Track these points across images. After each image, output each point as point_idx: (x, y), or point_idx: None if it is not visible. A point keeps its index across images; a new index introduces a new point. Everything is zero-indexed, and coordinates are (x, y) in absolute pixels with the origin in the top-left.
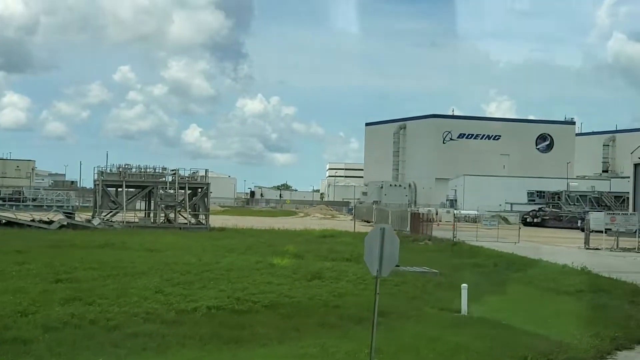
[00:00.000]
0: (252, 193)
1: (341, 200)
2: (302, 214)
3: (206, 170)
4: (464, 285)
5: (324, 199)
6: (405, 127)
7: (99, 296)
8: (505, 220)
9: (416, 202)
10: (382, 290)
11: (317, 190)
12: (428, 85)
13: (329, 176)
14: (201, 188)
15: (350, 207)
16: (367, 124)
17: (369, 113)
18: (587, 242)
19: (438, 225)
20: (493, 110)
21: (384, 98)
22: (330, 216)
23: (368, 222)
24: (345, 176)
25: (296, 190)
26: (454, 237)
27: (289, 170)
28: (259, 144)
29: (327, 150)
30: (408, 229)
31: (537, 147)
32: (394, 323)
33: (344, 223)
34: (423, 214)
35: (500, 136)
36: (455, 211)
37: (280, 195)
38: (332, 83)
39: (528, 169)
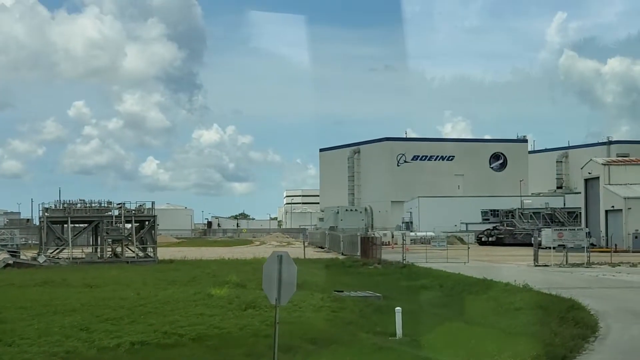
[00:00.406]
0: (209, 224)
1: (298, 227)
2: (258, 242)
3: (152, 203)
4: (398, 308)
5: (281, 227)
6: (359, 152)
7: (20, 336)
8: (461, 240)
9: (373, 226)
10: (319, 317)
11: (275, 218)
12: (383, 109)
13: (287, 203)
14: (148, 220)
15: (307, 234)
16: (321, 150)
17: (326, 139)
18: (536, 259)
19: (393, 248)
20: (449, 131)
21: (340, 123)
22: (285, 243)
23: (322, 247)
24: (303, 203)
25: (253, 219)
26: (403, 259)
27: (247, 199)
28: (216, 174)
29: (285, 178)
30: (359, 253)
31: (491, 166)
32: (320, 350)
33: (298, 250)
34: (375, 237)
35: (454, 157)
36: (411, 233)
37: (237, 224)
38: (287, 110)
39: (483, 188)
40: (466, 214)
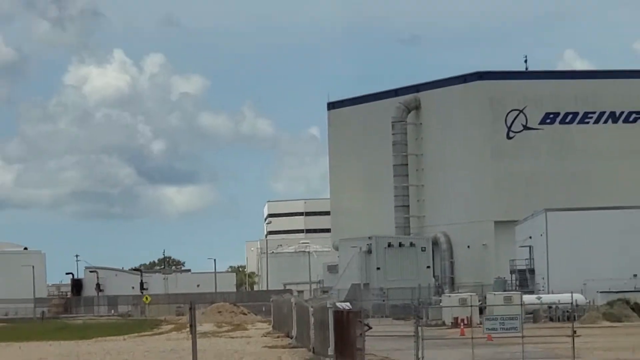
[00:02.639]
0: (76, 284)
1: (283, 287)
2: (171, 326)
3: None
4: None
5: (254, 287)
6: (419, 107)
7: None
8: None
9: (454, 280)
10: None
11: (240, 268)
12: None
13: (270, 232)
14: None
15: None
16: (330, 105)
17: (344, 83)
18: None
19: (463, 333)
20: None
21: (411, 42)
22: (228, 327)
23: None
24: (306, 231)
25: (188, 270)
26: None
27: (189, 226)
28: (125, 169)
29: (277, 174)
30: (331, 349)
31: None
32: None
33: (239, 342)
34: (356, 312)
35: None
36: (527, 297)
37: (142, 285)
38: (283, 16)
39: None
40: None
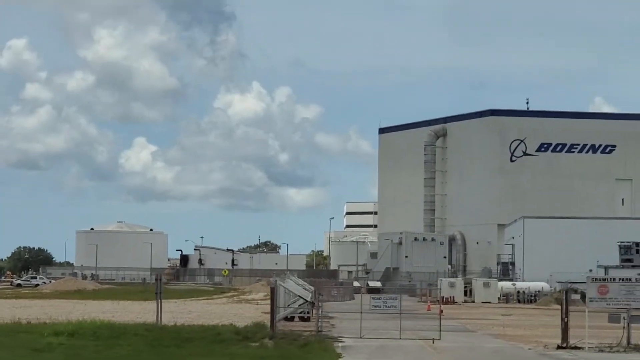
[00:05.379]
0: (184, 259)
1: (337, 267)
2: (234, 293)
3: None
4: None
5: (327, 265)
6: (445, 135)
7: None
8: (582, 296)
9: (465, 267)
10: None
11: (317, 253)
12: (490, 63)
13: (347, 226)
14: None
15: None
16: (381, 131)
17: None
18: (565, 335)
19: (429, 309)
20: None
21: (482, 87)
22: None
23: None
24: (363, 226)
25: (277, 252)
26: (318, 329)
27: (305, 216)
28: (257, 173)
29: (372, 180)
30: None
31: None
32: None
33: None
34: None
35: (615, 147)
36: (502, 284)
37: (233, 261)
38: (388, 61)
39: None
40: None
